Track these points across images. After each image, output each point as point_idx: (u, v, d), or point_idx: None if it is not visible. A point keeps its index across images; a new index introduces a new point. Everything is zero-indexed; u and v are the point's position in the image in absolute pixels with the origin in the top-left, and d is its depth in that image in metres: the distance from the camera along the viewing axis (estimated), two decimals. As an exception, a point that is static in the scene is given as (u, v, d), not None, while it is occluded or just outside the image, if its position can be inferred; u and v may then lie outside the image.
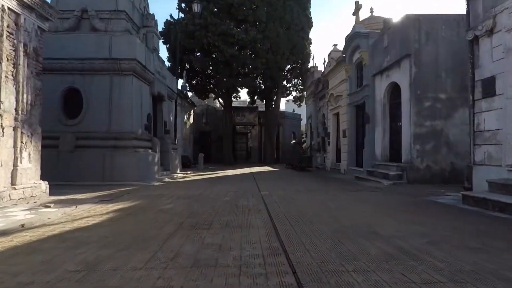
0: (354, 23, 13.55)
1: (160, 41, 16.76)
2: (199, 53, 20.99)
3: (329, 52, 16.75)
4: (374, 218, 4.53)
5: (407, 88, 9.54)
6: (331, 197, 6.72)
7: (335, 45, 16.42)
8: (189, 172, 15.20)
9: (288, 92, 26.83)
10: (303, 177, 12.98)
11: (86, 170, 9.71)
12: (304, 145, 23.82)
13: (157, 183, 9.95)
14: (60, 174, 9.68)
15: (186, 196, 6.95)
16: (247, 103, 30.59)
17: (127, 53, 10.11)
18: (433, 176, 9.22)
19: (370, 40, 12.07)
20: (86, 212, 5.04)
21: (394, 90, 10.82)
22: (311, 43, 24.25)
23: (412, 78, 9.34)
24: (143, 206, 5.65)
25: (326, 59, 18.43)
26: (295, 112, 32.43)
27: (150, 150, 11.41)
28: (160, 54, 13.59)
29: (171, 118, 15.24)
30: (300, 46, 22.56)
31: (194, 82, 25.17)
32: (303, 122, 33.38)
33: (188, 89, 25.26)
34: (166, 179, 11.30)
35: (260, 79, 22.44)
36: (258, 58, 20.77)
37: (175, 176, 12.69)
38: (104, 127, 10.10)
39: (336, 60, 15.27)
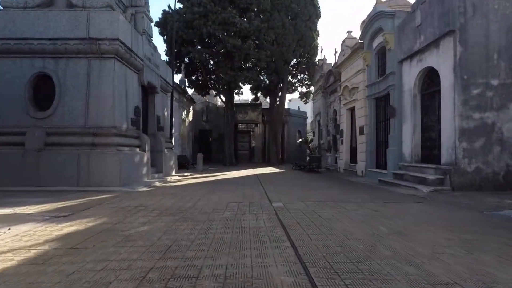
0: (373, 4, 11.72)
1: (157, 32, 15.08)
2: (199, 46, 19.16)
3: (342, 40, 14.93)
4: (478, 264, 2.71)
5: (450, 73, 7.69)
6: (370, 213, 4.89)
7: (349, 32, 14.59)
8: (186, 174, 13.41)
9: (293, 88, 25.00)
10: (316, 180, 11.16)
11: (57, 173, 7.95)
12: (311, 144, 21.98)
13: (144, 189, 8.16)
14: (26, 177, 7.94)
15: (174, 209, 5.15)
16: (250, 100, 28.77)
17: (108, 32, 8.32)
18: (483, 181, 7.38)
19: (396, 21, 10.23)
20: (13, 241, 3.25)
21: (429, 77, 8.99)
22: (318, 35, 22.40)
23: (456, 59, 7.50)
24: (106, 229, 3.85)
25: (338, 49, 16.60)
26: (300, 110, 30.58)
27: (137, 149, 9.63)
28: (156, 46, 11.81)
29: (166, 113, 13.45)
30: (307, 37, 20.72)
31: (193, 77, 23.45)
32: (309, 120, 31.57)
33: (187, 84, 23.52)
34: (157, 183, 9.50)
35: (264, 73, 20.60)
36: (262, 50, 18.96)
37: (169, 179, 10.90)
38: (81, 120, 8.32)
39: (352, 47, 13.43)
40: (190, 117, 22.22)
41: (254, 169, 18.12)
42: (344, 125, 14.93)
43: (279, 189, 7.96)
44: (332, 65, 17.47)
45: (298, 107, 31.75)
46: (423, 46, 8.69)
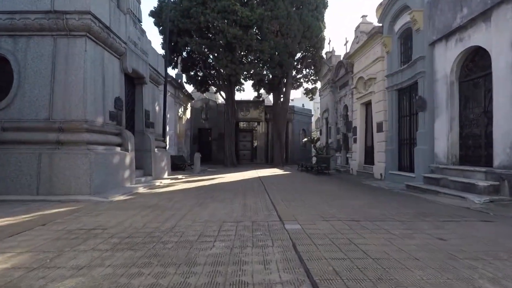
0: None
1: (152, 22, 13.41)
2: (197, 37, 17.48)
3: (356, 26, 13.23)
4: None
5: (508, 51, 5.99)
6: (436, 244, 3.20)
7: (364, 16, 12.89)
8: (179, 177, 11.76)
9: (298, 83, 23.30)
10: (330, 184, 9.47)
11: (12, 178, 6.31)
12: (318, 144, 20.29)
13: (121, 197, 6.51)
14: (-27, 183, 6.32)
15: (142, 235, 3.49)
16: (253, 98, 27.11)
17: (78, 4, 6.68)
18: (553, 189, 5.68)
19: (426, -5, 8.54)
20: None
21: (472, 60, 7.29)
22: (325, 27, 20.67)
23: (517, 33, 5.81)
24: (6, 284, 2.21)
25: (349, 39, 14.90)
26: (304, 107, 28.88)
27: (118, 148, 7.98)
28: (145, 30, 10.16)
29: (157, 108, 11.80)
30: (314, 28, 19.02)
31: (192, 73, 21.82)
32: (313, 119, 29.87)
33: (185, 80, 21.90)
34: (141, 189, 7.85)
35: (267, 67, 18.91)
36: (265, 41, 17.30)
37: (158, 184, 9.25)
38: (44, 113, 6.69)
39: (368, 33, 11.73)
40: (188, 114, 20.58)
41: (257, 170, 16.45)
42: (358, 121, 13.23)
43: (290, 198, 6.28)
44: (343, 56, 15.77)
45: (303, 104, 30.05)
46: (465, 21, 6.99)
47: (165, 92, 12.81)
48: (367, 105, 12.78)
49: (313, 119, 29.83)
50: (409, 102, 9.61)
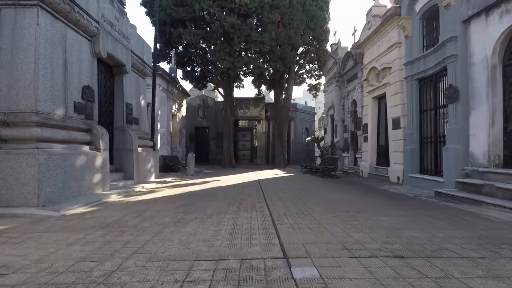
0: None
1: (144, 12, 11.97)
2: (193, 28, 15.99)
3: (367, 10, 11.73)
4: None
5: None
6: None
7: (376, -1, 11.39)
8: (169, 180, 10.31)
9: (301, 79, 21.81)
10: (341, 190, 7.99)
11: None
12: (322, 144, 18.81)
13: (80, 209, 5.04)
14: None
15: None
16: (254, 95, 25.60)
17: (27, -36, 5.25)
18: None
19: (458, -37, 7.04)
20: None
21: (523, 37, 5.80)
22: (330, 19, 19.16)
23: None
24: None
25: (358, 28, 13.42)
26: (307, 105, 27.36)
27: (86, 147, 6.53)
28: (126, 11, 8.70)
29: (142, 102, 10.34)
30: (318, 18, 17.55)
31: (189, 68, 20.38)
32: (316, 117, 28.37)
33: (181, 76, 20.48)
34: (112, 197, 6.39)
35: (268, 60, 17.40)
36: (265, 32, 15.83)
37: (138, 190, 7.79)
38: (-17, 102, 5.25)
39: (383, 16, 10.24)
40: (183, 112, 19.13)
41: (256, 172, 14.98)
42: (369, 118, 11.73)
43: (295, 213, 4.80)
44: (351, 47, 14.27)
45: (305, 102, 28.55)
46: (517, -13, 5.50)
47: (154, 84, 11.35)
48: (380, 99, 11.28)
49: (316, 118, 28.34)
50: (434, 92, 8.11)
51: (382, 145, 11.20)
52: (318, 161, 15.64)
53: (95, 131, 6.88)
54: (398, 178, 9.41)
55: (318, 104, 37.79)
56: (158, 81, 14.18)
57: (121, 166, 8.63)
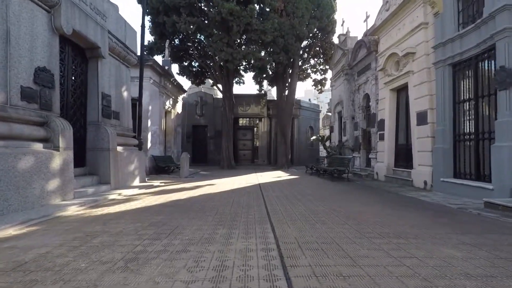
0: None
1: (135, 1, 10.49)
2: (187, 15, 14.51)
3: (384, -11, 10.19)
4: None
5: None
6: None
7: (396, -24, 9.85)
8: (156, 184, 8.84)
9: (305, 75, 20.32)
10: (362, 201, 6.48)
11: None
12: (329, 143, 17.30)
13: (11, 230, 3.55)
14: None
15: None
16: (256, 92, 24.08)
17: None
18: None
19: None
20: None
21: None
22: (336, 10, 17.62)
23: None
24: None
25: (371, 14, 11.87)
26: (311, 102, 25.80)
27: (38, 145, 5.06)
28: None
29: (125, 93, 8.86)
30: (324, 7, 16.07)
31: (186, 63, 18.94)
32: (320, 115, 26.82)
33: (178, 71, 19.03)
34: (71, 210, 4.91)
35: (270, 53, 15.88)
36: (267, 20, 14.34)
37: (112, 198, 6.31)
38: None
39: (405, -7, 8.72)
40: (179, 109, 17.65)
41: (257, 173, 13.49)
42: (385, 112, 10.20)
43: (314, 241, 3.30)
44: (362, 35, 12.76)
45: (309, 99, 27.01)
46: None
47: (142, 72, 9.87)
48: (400, 91, 9.77)
49: (319, 116, 26.81)
50: (474, 79, 6.59)
51: (402, 144, 9.68)
52: (325, 162, 14.12)
53: (54, 125, 5.40)
54: (425, 182, 7.89)
55: (320, 103, 36.31)
56: (149, 73, 12.72)
57: (95, 168, 7.16)
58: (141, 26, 10.19)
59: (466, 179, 6.69)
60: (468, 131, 6.82)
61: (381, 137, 10.49)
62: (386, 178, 10.00)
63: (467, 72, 6.82)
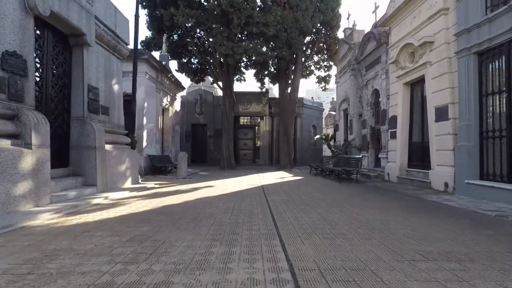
0: None
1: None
2: (186, 8, 13.72)
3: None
4: None
5: None
6: None
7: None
8: (150, 186, 8.08)
9: (308, 72, 19.52)
10: (381, 205, 5.69)
11: None
12: (334, 142, 16.52)
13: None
14: None
15: None
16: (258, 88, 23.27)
17: None
18: None
19: None
20: None
21: None
22: (340, 3, 16.83)
23: None
24: None
25: (381, 4, 11.10)
26: (313, 100, 24.98)
27: (7, 141, 4.29)
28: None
29: (116, 87, 8.09)
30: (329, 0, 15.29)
31: (185, 60, 18.20)
32: (324, 113, 26.03)
33: (177, 68, 18.29)
34: (42, 218, 4.13)
35: (272, 47, 15.09)
36: (269, 13, 13.57)
37: (96, 203, 5.54)
38: None
39: (422, -24, 7.93)
40: (177, 106, 16.89)
41: (259, 174, 12.72)
42: (398, 108, 9.42)
43: (340, 265, 2.53)
44: (371, 27, 11.97)
45: (312, 97, 26.21)
46: None
47: (135, 64, 9.11)
48: (414, 85, 8.99)
49: (323, 115, 26.02)
50: (507, 68, 5.79)
51: (417, 142, 8.89)
52: (330, 162, 13.34)
53: (25, 119, 4.63)
54: (446, 184, 7.10)
55: (323, 103, 35.47)
56: (145, 68, 11.96)
57: (79, 169, 6.40)
58: (134, 15, 9.41)
59: (496, 181, 5.90)
60: (498, 127, 6.03)
61: (393, 135, 9.71)
62: (398, 179, 9.21)
63: (497, 60, 6.04)
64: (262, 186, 8.45)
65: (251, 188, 7.97)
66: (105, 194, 6.18)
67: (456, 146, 6.85)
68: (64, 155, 6.32)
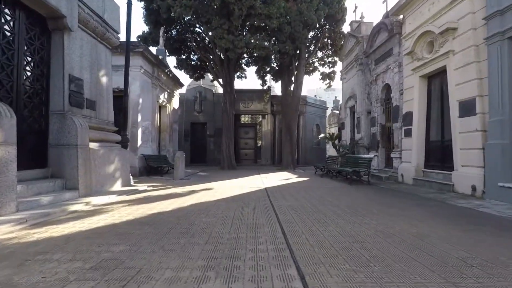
0: None
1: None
2: None
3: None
4: None
5: None
6: None
7: None
8: (142, 189, 7.27)
9: (311, 69, 18.70)
10: (409, 213, 4.86)
11: None
12: (341, 141, 15.70)
13: None
14: None
15: None
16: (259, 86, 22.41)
17: None
18: None
19: None
20: None
21: None
22: (346, -3, 15.99)
23: None
24: None
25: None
26: (317, 98, 24.13)
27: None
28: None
29: (104, 79, 7.27)
30: (336, -9, 14.47)
31: (184, 56, 17.41)
32: (328, 111, 25.17)
33: (175, 65, 17.51)
34: (1, 231, 3.34)
35: (275, 41, 14.26)
36: (272, 5, 12.75)
37: (73, 210, 4.72)
38: None
39: (444, -44, 7.10)
40: (175, 104, 16.07)
41: (262, 175, 11.91)
42: (414, 104, 8.59)
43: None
44: (382, 17, 11.13)
45: (315, 95, 25.38)
46: None
47: (128, 55, 8.31)
48: (432, 77, 8.16)
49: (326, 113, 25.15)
50: (552, 54, 4.97)
51: (435, 141, 8.07)
52: (337, 162, 12.51)
53: (-17, 111, 3.82)
54: (474, 188, 6.27)
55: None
56: (140, 61, 11.15)
57: (59, 169, 5.59)
58: (127, 2, 8.61)
59: (539, 185, 5.08)
60: (539, 122, 5.21)
61: (408, 133, 8.88)
62: (414, 181, 8.38)
63: (538, 45, 5.21)
64: (265, 188, 7.63)
65: (254, 191, 7.16)
66: (87, 199, 5.37)
67: (486, 145, 6.02)
68: (41, 154, 5.51)
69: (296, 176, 11.80)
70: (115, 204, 5.23)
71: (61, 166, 5.60)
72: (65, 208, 4.65)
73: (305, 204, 5.21)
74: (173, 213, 4.44)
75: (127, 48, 8.34)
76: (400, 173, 9.14)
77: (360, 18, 13.59)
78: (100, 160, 6.43)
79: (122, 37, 8.17)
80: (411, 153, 8.69)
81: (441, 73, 7.62)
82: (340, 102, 27.14)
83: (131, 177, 8.18)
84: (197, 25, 15.62)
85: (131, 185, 7.78)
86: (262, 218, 4.07)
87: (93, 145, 6.29)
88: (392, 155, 10.00)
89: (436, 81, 8.02)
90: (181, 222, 3.82)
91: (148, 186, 7.85)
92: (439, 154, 7.85)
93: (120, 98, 8.79)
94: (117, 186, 7.14)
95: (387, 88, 10.66)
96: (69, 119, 5.67)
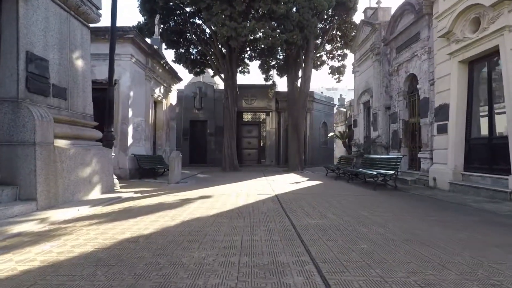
0: None
1: None
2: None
3: None
4: None
5: None
6: None
7: None
8: (127, 196, 5.91)
9: (319, 62, 17.30)
10: (480, 235, 3.49)
11: None
12: (354, 141, 14.30)
13: None
14: None
15: None
16: (263, 81, 20.98)
17: None
18: None
19: None
20: None
21: None
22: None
23: None
24: None
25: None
26: (323, 94, 22.71)
27: None
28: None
29: (80, 62, 5.90)
30: (348, -25, 13.10)
31: (183, 50, 16.08)
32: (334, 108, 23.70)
33: (174, 59, 16.20)
34: None
35: (282, 30, 12.85)
36: (279, -11, 11.38)
37: (15, 231, 3.32)
38: None
39: None
40: (172, 99, 14.70)
41: (268, 177, 10.54)
42: (451, 95, 7.18)
43: None
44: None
45: (321, 92, 23.97)
46: None
47: (114, 39, 6.93)
48: (474, 62, 6.75)
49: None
50: None
51: (480, 138, 6.67)
52: (353, 163, 11.11)
53: None
54: (545, 197, 4.87)
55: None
56: (130, 49, 9.79)
57: (11, 174, 4.23)
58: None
59: None
60: None
61: (442, 129, 7.48)
62: (452, 187, 6.98)
63: None
64: (276, 196, 6.25)
65: (262, 199, 5.78)
66: (46, 213, 4.01)
67: None
68: (-14, 155, 4.16)
69: (307, 178, 10.42)
70: (80, 221, 3.86)
71: (14, 170, 4.23)
72: (5, 229, 3.29)
73: (337, 223, 3.82)
74: (151, 240, 3.06)
75: (112, 29, 6.96)
76: (431, 176, 7.74)
77: (376, 3, 12.18)
78: (70, 162, 5.06)
79: (109, 20, 6.81)
80: (446, 153, 7.29)
81: (489, 56, 6.23)
82: (347, 100, 25.71)
83: (116, 181, 6.82)
84: (197, 16, 14.30)
85: (114, 191, 6.41)
86: (284, 253, 2.68)
87: (61, 142, 4.94)
88: (419, 155, 8.60)
89: (480, 67, 6.63)
90: (159, 261, 2.44)
91: (136, 193, 6.49)
92: (485, 154, 6.46)
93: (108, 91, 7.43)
94: (95, 193, 5.77)
95: (411, 78, 9.26)
96: (24, 108, 4.30)
